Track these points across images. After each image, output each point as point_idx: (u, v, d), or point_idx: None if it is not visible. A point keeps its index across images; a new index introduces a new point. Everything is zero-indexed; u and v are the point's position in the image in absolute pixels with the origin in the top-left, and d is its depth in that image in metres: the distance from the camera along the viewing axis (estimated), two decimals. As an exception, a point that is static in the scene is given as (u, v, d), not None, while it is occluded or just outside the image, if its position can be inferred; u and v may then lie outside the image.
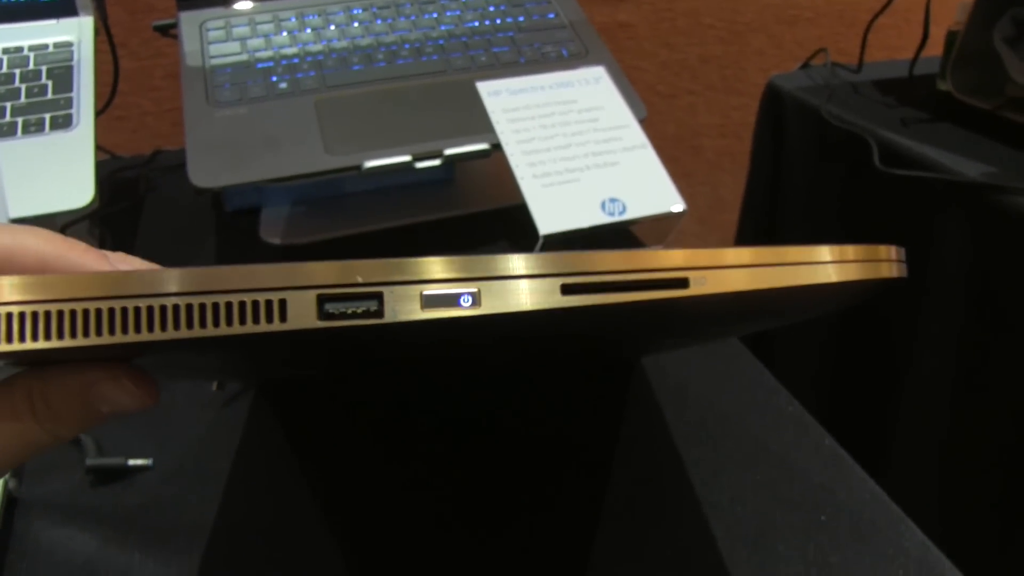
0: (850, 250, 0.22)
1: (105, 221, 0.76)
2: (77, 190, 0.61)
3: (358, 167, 0.63)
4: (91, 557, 0.43)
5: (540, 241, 0.60)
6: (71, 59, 0.70)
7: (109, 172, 0.87)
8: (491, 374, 0.51)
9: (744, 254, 0.21)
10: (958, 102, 0.89)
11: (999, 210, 0.72)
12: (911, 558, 0.40)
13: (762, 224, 1.08)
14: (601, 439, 0.47)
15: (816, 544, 0.41)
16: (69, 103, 0.67)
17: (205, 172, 0.61)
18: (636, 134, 0.66)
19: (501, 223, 0.73)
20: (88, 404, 0.23)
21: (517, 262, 0.20)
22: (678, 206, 0.62)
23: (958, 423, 0.79)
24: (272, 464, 0.48)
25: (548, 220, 0.60)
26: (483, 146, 0.65)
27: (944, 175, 0.77)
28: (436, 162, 0.64)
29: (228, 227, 0.76)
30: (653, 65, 1.34)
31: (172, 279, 0.19)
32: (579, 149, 0.64)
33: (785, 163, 1.03)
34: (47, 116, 0.66)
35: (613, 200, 0.62)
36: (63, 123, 0.66)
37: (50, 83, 0.69)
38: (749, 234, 1.11)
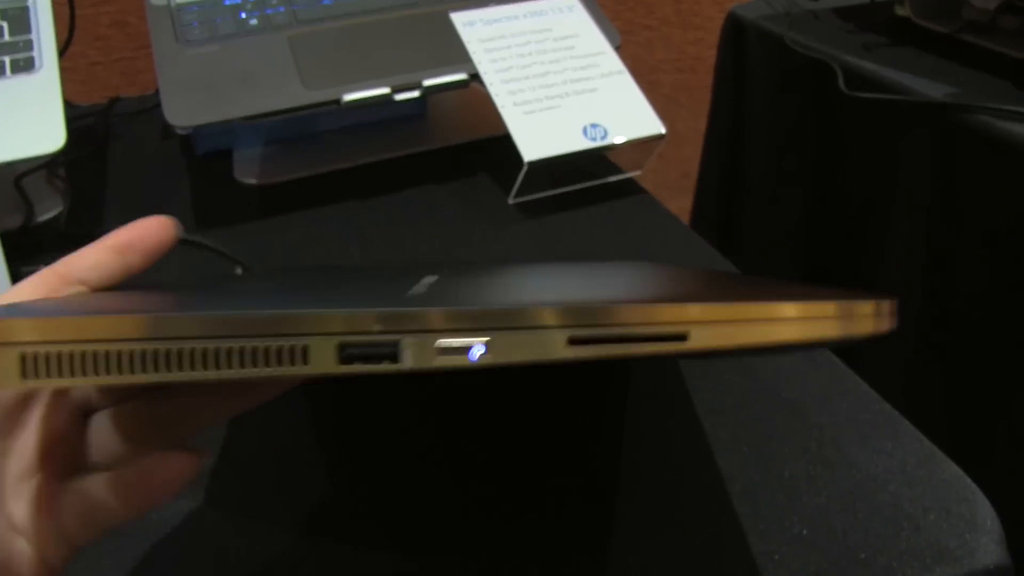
0: (839, 307, 0.23)
1: (70, 169, 0.74)
2: (48, 134, 0.60)
3: (337, 101, 0.62)
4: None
5: (524, 168, 0.60)
6: (26, 1, 0.68)
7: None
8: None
9: (747, 310, 0.22)
10: (917, 27, 0.90)
11: (962, 128, 0.74)
12: (908, 451, 0.42)
13: (726, 155, 1.09)
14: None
15: (817, 442, 0.42)
16: (29, 45, 0.65)
17: (182, 111, 0.59)
18: (612, 60, 0.66)
19: (476, 156, 0.73)
20: None
21: (526, 315, 0.21)
22: (659, 129, 0.63)
23: (925, 339, 0.81)
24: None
25: (532, 147, 0.60)
26: (461, 76, 0.65)
27: (908, 97, 0.79)
28: (415, 93, 0.64)
29: (200, 170, 0.74)
30: (609, 1, 1.33)
31: (205, 324, 0.21)
32: (557, 77, 0.64)
33: (748, 93, 1.04)
34: (7, 59, 0.64)
35: (595, 126, 0.62)
36: (25, 66, 0.64)
37: (5, 25, 0.66)
38: (714, 165, 1.12)
